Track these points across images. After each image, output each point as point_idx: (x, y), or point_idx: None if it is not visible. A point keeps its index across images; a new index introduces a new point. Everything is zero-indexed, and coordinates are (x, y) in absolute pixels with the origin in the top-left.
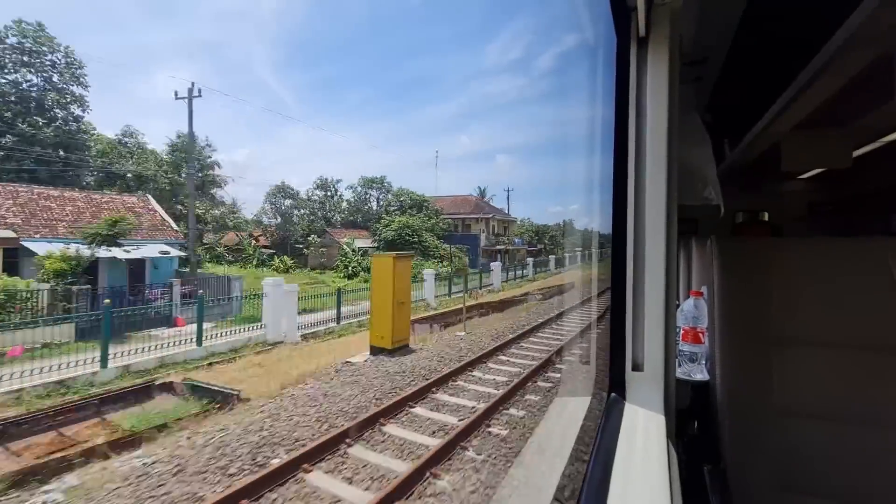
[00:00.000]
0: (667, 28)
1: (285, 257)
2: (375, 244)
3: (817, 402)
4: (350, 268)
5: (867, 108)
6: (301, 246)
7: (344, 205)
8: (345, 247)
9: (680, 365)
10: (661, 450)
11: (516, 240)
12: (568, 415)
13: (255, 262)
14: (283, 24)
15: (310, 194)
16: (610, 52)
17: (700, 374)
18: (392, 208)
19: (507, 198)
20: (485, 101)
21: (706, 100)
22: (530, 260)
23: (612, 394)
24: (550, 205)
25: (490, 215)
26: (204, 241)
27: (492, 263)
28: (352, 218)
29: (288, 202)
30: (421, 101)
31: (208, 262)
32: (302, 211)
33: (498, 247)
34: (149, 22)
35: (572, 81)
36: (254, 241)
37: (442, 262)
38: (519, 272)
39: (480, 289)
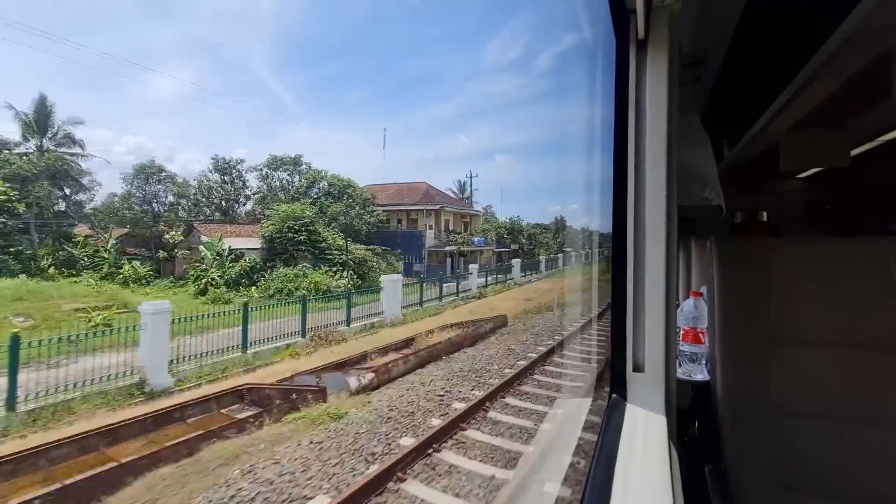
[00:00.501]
0: (666, 30)
1: (136, 263)
2: (264, 244)
3: (817, 401)
4: (203, 280)
5: (865, 108)
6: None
7: (248, 192)
8: (203, 249)
9: (680, 365)
10: (663, 450)
11: (475, 239)
12: (570, 416)
13: (105, 269)
14: (282, 23)
15: (201, 179)
16: (609, 54)
17: (700, 375)
18: (312, 197)
19: (471, 184)
20: (484, 100)
21: (705, 100)
22: (473, 267)
23: (614, 395)
24: (550, 204)
25: (439, 206)
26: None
27: (382, 277)
28: (257, 209)
29: (160, 188)
30: (420, 100)
31: (51, 267)
32: (193, 199)
33: (449, 247)
34: (147, 21)
35: (572, 82)
36: (112, 241)
37: (344, 271)
38: (461, 283)
39: (349, 325)
